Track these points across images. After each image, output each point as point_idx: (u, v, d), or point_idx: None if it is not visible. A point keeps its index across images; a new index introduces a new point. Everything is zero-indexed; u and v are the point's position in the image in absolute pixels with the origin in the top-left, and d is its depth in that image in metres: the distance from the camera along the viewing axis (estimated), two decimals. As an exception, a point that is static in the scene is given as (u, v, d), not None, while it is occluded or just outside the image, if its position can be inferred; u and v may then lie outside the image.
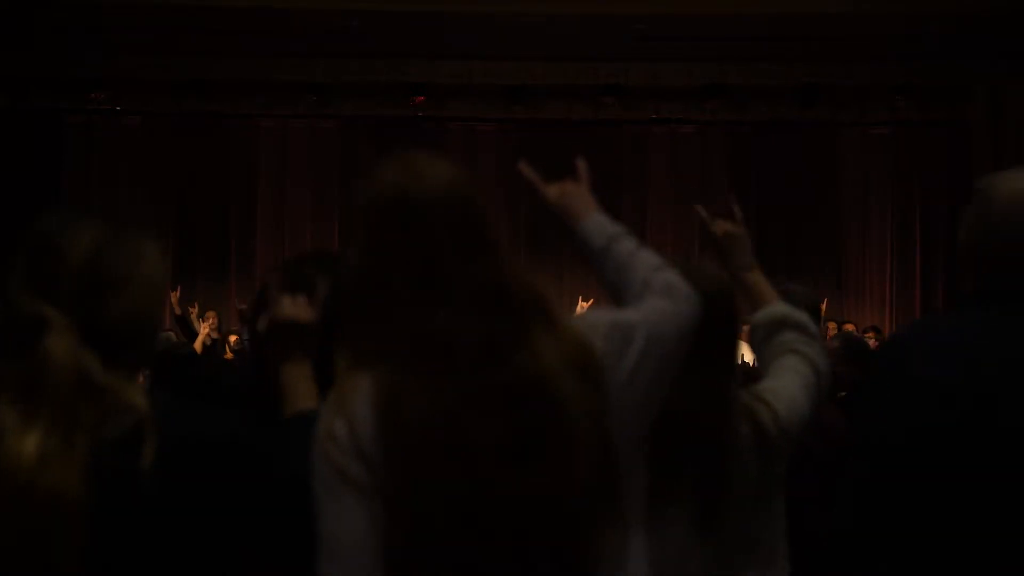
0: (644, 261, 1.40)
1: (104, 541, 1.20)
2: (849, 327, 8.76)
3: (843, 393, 3.50)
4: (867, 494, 1.58)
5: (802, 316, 1.71)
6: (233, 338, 7.92)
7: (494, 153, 10.54)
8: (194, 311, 8.08)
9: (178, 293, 7.84)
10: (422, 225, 1.25)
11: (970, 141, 10.03)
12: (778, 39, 8.93)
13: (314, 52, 9.49)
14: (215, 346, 7.77)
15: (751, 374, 3.87)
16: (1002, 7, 8.23)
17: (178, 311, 7.77)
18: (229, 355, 7.50)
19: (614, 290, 1.42)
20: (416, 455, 1.16)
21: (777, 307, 1.76)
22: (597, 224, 1.45)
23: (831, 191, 10.76)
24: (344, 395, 1.21)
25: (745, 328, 1.81)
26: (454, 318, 1.21)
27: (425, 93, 9.91)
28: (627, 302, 1.38)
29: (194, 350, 6.25)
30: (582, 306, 8.34)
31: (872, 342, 8.79)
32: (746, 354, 7.61)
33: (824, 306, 8.49)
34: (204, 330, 7.77)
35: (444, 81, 9.86)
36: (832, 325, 8.85)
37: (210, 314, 8.19)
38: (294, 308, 1.55)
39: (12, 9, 8.36)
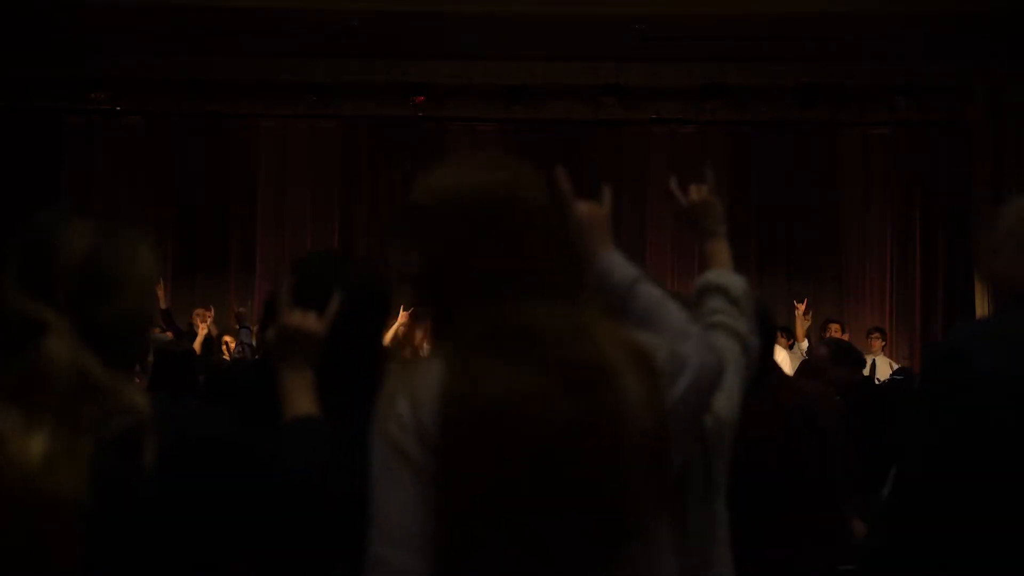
0: (675, 312, 1.44)
1: (104, 542, 1.20)
2: (834, 327, 8.75)
3: (838, 396, 3.51)
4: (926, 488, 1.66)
5: (727, 278, 1.62)
6: (229, 339, 7.91)
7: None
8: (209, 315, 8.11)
9: (161, 286, 7.86)
10: (509, 218, 1.29)
11: (970, 141, 10.02)
12: (778, 39, 8.92)
13: (314, 52, 9.49)
14: (212, 345, 7.76)
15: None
16: (1002, 7, 8.22)
17: (163, 305, 7.77)
18: (226, 356, 7.48)
19: (639, 327, 1.44)
20: (485, 436, 1.18)
21: (709, 272, 1.69)
22: (620, 263, 1.50)
23: (831, 191, 10.75)
24: (411, 377, 1.23)
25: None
26: (543, 312, 1.25)
27: (425, 93, 9.90)
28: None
29: (192, 348, 6.25)
30: None
31: (878, 342, 8.80)
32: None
33: (804, 307, 8.52)
34: (203, 330, 7.77)
35: (444, 81, 9.85)
36: (834, 327, 8.84)
37: (199, 311, 8.21)
38: (303, 319, 1.57)
39: (11, 9, 8.36)
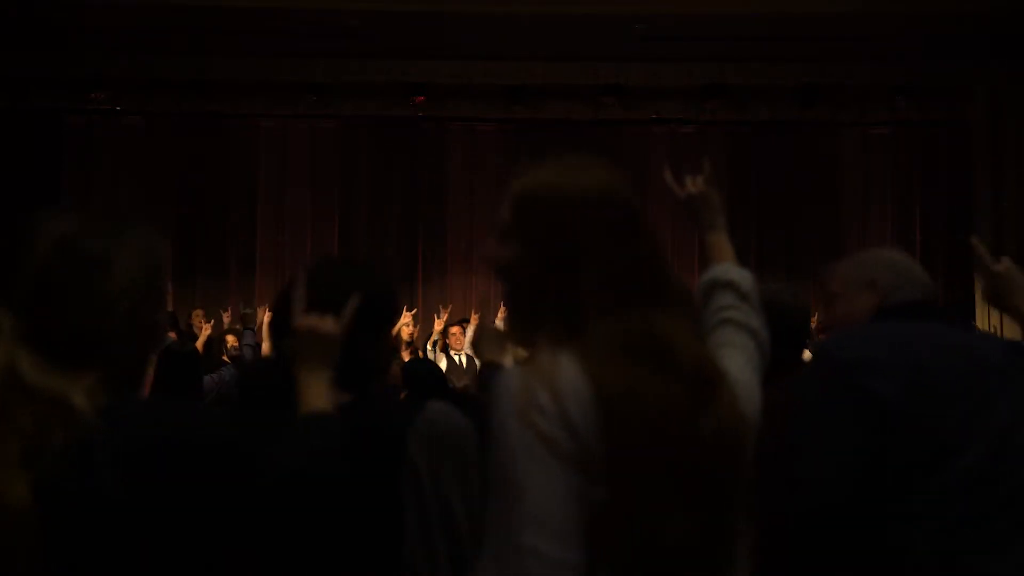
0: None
1: (66, 548, 1.18)
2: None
3: None
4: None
5: (735, 274, 1.60)
6: (232, 338, 7.89)
7: (494, 153, 10.54)
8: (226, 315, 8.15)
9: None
10: (642, 226, 1.33)
11: (970, 141, 10.03)
12: (778, 39, 8.92)
13: (314, 52, 9.49)
14: (212, 345, 7.76)
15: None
16: (1002, 7, 8.23)
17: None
18: (226, 357, 7.47)
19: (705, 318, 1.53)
20: (646, 440, 1.20)
21: (715, 267, 1.65)
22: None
23: (831, 191, 10.76)
24: (544, 371, 1.22)
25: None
26: (675, 324, 1.29)
27: (425, 93, 9.90)
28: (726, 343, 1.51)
29: (196, 349, 6.25)
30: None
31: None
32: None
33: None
34: (206, 331, 7.77)
35: (444, 81, 9.85)
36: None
37: (198, 311, 8.20)
38: (318, 322, 1.59)
39: (12, 9, 8.36)
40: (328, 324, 1.59)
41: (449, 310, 8.80)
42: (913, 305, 2.10)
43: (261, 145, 10.79)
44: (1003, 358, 1.99)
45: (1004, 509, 1.84)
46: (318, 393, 1.54)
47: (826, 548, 1.88)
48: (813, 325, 8.73)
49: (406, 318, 8.22)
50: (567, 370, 1.22)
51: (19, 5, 8.34)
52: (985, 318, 9.73)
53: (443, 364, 7.96)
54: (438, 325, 8.58)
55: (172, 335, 7.24)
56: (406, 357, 7.24)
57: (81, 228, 1.31)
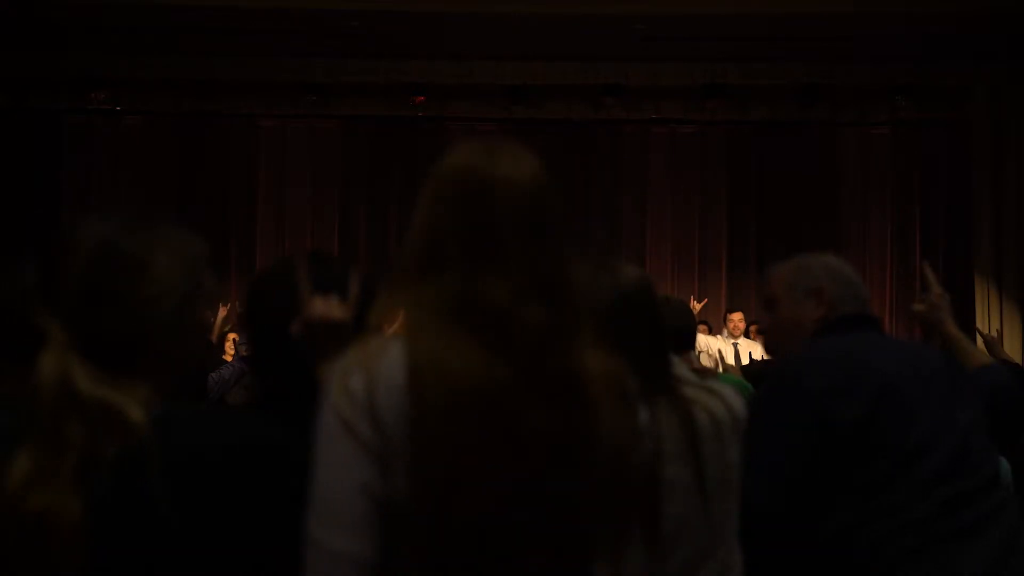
0: None
1: (116, 564, 1.16)
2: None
3: None
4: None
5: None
6: (235, 336, 7.89)
7: (494, 153, 10.53)
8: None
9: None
10: (491, 201, 1.22)
11: (970, 141, 10.03)
12: (778, 39, 8.92)
13: (314, 52, 9.49)
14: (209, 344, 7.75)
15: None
16: (1002, 7, 8.23)
17: None
18: (229, 356, 7.48)
19: None
20: (449, 427, 1.12)
21: None
22: None
23: (831, 191, 10.76)
24: (369, 354, 1.17)
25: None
26: (516, 298, 1.17)
27: (425, 93, 9.91)
28: None
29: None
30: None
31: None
32: (753, 351, 7.65)
33: None
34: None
35: (444, 81, 9.86)
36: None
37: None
38: (326, 307, 1.54)
39: (12, 9, 8.36)
40: (336, 309, 1.54)
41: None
42: (858, 318, 2.16)
43: (261, 145, 10.79)
44: (946, 364, 2.10)
45: (968, 504, 1.91)
46: None
47: (800, 546, 1.92)
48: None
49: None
50: (391, 353, 1.15)
51: (19, 5, 8.34)
52: (985, 319, 9.74)
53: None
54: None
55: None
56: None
57: (118, 231, 1.28)
